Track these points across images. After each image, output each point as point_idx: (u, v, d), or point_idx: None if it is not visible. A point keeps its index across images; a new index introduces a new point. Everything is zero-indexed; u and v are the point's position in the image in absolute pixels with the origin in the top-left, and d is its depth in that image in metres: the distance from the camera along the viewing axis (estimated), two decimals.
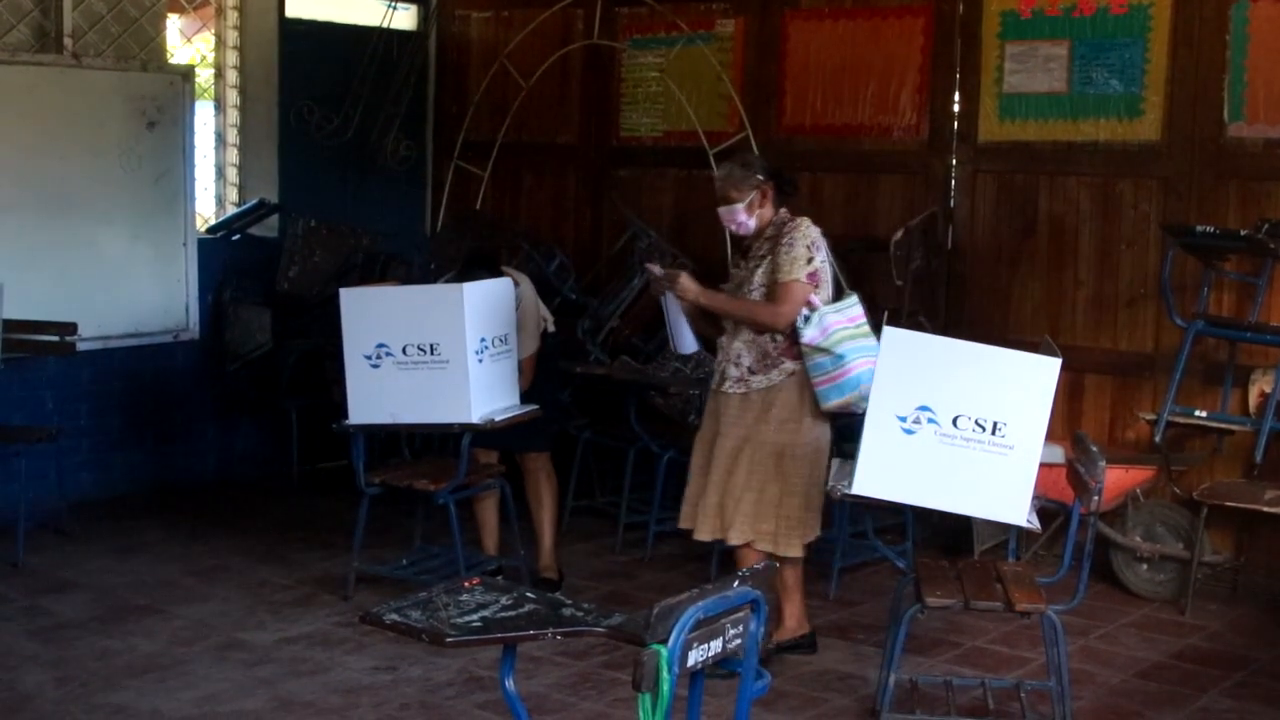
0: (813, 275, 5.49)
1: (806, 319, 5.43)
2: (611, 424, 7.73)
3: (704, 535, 5.68)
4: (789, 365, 5.53)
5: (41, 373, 7.71)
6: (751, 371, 5.57)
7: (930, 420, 4.84)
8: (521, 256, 8.14)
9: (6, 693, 5.27)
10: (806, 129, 8.10)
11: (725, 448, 5.61)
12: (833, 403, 5.48)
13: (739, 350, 5.60)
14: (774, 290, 5.49)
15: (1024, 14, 7.37)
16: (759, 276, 5.56)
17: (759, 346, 5.56)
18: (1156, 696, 5.50)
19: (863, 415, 5.00)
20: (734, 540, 5.60)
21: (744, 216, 5.62)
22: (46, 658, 5.63)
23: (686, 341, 5.82)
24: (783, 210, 5.65)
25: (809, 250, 5.49)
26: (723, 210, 5.65)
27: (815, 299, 5.47)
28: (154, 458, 8.34)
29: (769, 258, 5.55)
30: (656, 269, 5.78)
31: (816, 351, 5.43)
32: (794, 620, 5.81)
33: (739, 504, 5.57)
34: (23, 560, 6.80)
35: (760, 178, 5.61)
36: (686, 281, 5.64)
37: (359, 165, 9.03)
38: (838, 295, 5.60)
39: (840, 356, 5.42)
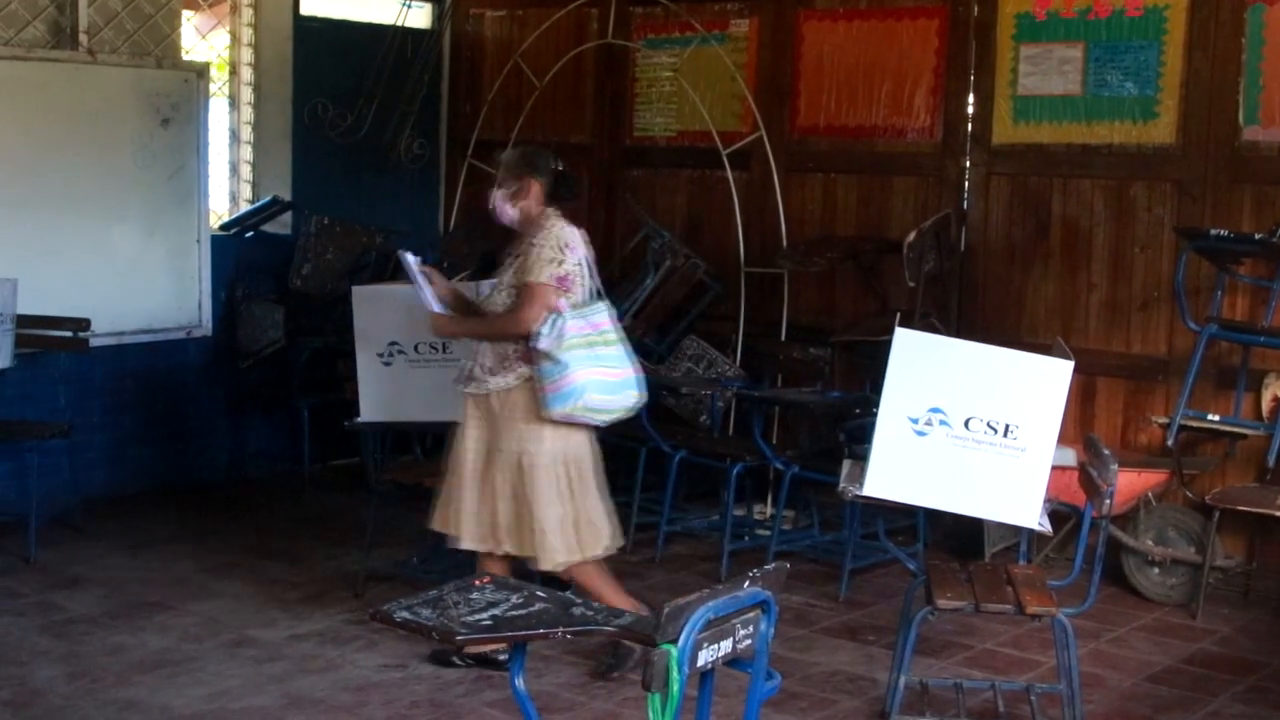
0: (562, 279, 5.30)
1: (551, 324, 5.25)
2: (623, 424, 7.70)
3: (468, 544, 5.50)
4: (524, 369, 5.34)
5: (55, 369, 7.73)
6: (490, 372, 5.40)
7: (942, 422, 4.82)
8: None
9: (18, 687, 5.29)
10: (820, 130, 8.09)
11: (470, 450, 5.46)
12: (554, 411, 5.25)
13: (483, 348, 5.45)
14: (520, 292, 5.33)
15: (1039, 16, 7.36)
16: (509, 276, 5.42)
17: (499, 347, 5.40)
18: (1167, 701, 5.49)
19: (874, 418, 4.97)
20: (505, 550, 5.43)
21: (502, 203, 5.48)
22: (58, 653, 5.65)
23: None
24: (550, 210, 5.44)
25: (558, 251, 5.31)
26: (493, 192, 5.54)
27: (562, 303, 5.30)
28: (166, 454, 8.36)
29: (521, 258, 5.39)
30: (411, 261, 5.56)
31: (545, 357, 5.23)
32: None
33: (494, 514, 5.40)
34: (35, 555, 6.82)
35: (527, 169, 5.46)
36: (439, 324, 5.57)
37: (372, 163, 9.04)
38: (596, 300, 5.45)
39: (563, 364, 5.21)
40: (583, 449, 5.46)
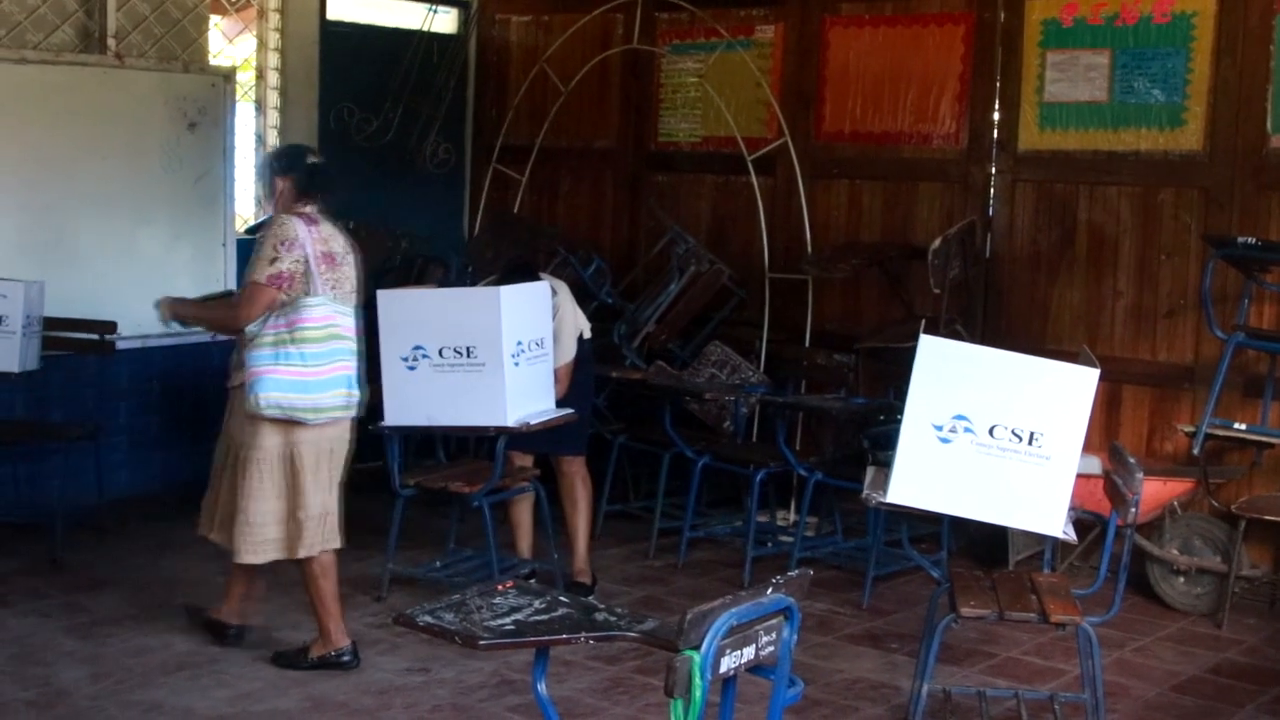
0: (276, 277, 5.32)
1: (261, 321, 5.33)
2: (646, 429, 7.73)
3: (203, 530, 5.71)
4: None
5: (81, 371, 7.75)
6: (234, 367, 5.52)
7: (967, 430, 4.80)
8: (558, 261, 8.16)
9: (43, 688, 5.31)
10: (845, 136, 8.08)
11: (220, 443, 5.65)
12: (248, 406, 5.33)
13: (238, 345, 5.57)
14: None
15: (1066, 23, 7.34)
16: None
17: (240, 343, 5.49)
18: (1192, 711, 5.46)
19: (898, 425, 4.96)
20: (213, 538, 5.61)
21: (267, 204, 5.60)
22: (82, 654, 5.67)
23: None
24: (298, 205, 5.48)
25: (276, 250, 5.32)
26: None
27: (281, 299, 5.36)
28: (190, 456, 8.35)
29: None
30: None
31: (246, 354, 5.36)
32: (233, 604, 5.78)
33: (216, 503, 5.60)
34: (60, 557, 6.85)
35: (274, 169, 5.53)
36: (165, 304, 5.70)
37: (398, 168, 9.07)
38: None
39: (248, 360, 5.31)
40: (296, 448, 5.44)
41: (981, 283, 7.57)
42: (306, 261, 5.35)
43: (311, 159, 5.58)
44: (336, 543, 5.58)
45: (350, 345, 5.44)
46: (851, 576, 6.93)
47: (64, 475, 7.04)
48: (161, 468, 8.24)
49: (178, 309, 5.74)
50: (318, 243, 5.40)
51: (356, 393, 5.47)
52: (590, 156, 9.09)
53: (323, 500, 5.50)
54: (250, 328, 5.32)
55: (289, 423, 5.38)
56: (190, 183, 8.04)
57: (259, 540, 5.47)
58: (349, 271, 5.52)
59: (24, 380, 7.07)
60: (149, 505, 7.90)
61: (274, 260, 5.33)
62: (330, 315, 5.38)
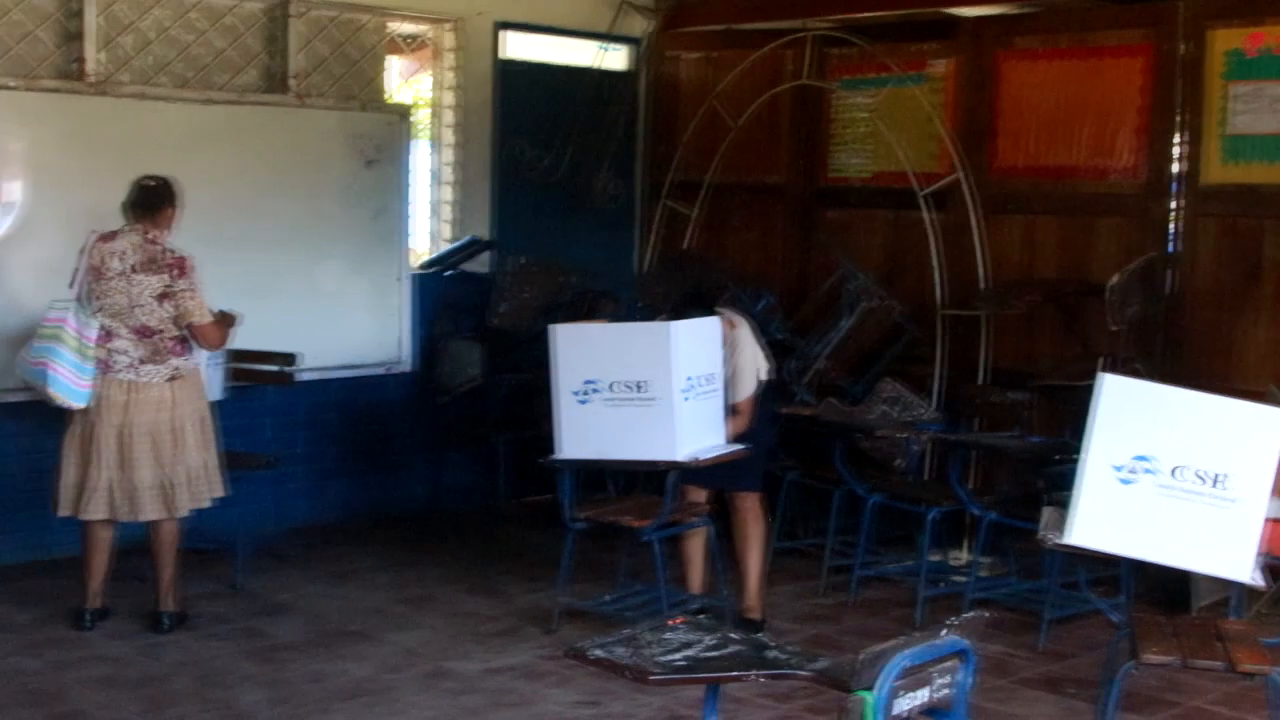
0: (72, 282, 6.16)
1: None
2: (817, 465, 7.68)
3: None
4: None
5: (262, 401, 7.96)
6: None
7: (1148, 471, 4.69)
8: (727, 297, 8.15)
9: (224, 710, 5.44)
10: (1020, 170, 7.97)
11: None
12: None
13: None
14: None
15: (1250, 53, 7.15)
16: None
17: None
18: None
19: (1075, 464, 4.85)
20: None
21: None
22: (262, 678, 5.80)
23: None
24: (124, 224, 6.21)
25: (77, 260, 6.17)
26: None
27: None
28: (366, 487, 8.54)
29: None
30: None
31: None
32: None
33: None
34: (241, 583, 7.02)
35: None
36: None
37: (570, 203, 9.16)
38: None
39: None
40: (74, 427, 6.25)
41: (1162, 320, 7.38)
42: (78, 271, 6.15)
43: (145, 182, 6.25)
44: (87, 514, 6.23)
45: (69, 349, 6.06)
46: (1027, 619, 6.78)
47: (245, 504, 7.21)
48: (338, 497, 8.41)
49: None
50: (94, 256, 6.13)
51: (55, 390, 6.06)
52: (761, 192, 9.08)
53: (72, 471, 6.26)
54: None
55: None
56: (368, 219, 8.22)
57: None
58: (121, 286, 6.13)
59: (210, 411, 7.27)
60: (326, 533, 8.07)
61: (76, 269, 6.17)
62: (61, 319, 6.08)
